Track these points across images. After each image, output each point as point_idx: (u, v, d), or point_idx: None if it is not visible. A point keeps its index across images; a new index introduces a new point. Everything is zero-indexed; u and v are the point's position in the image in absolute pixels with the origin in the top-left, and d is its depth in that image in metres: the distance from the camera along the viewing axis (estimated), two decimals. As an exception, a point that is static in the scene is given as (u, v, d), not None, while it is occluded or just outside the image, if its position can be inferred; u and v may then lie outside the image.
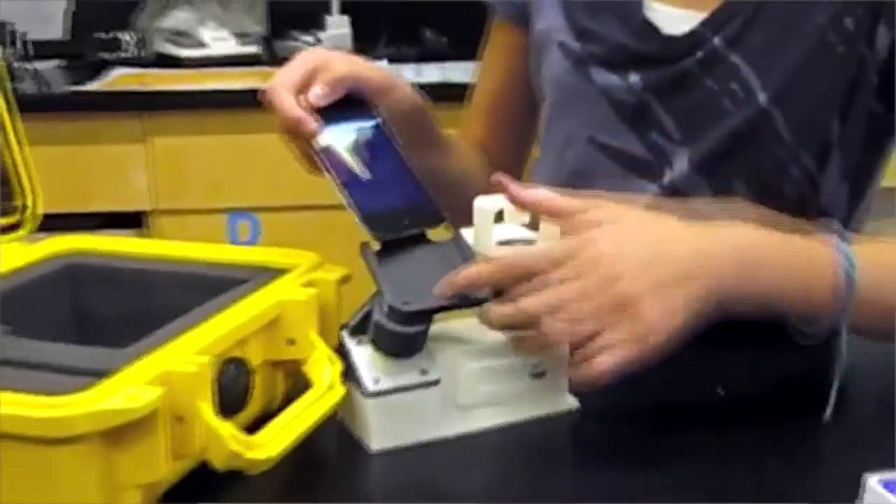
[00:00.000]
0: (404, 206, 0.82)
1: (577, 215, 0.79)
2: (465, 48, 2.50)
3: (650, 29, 1.01)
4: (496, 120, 1.21)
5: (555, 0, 1.07)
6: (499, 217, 0.82)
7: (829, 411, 0.83)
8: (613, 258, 0.76)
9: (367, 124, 0.88)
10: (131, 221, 2.22)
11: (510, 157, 1.19)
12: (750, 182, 0.99)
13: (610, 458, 0.79)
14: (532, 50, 1.12)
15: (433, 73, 2.34)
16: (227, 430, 0.67)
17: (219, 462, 0.67)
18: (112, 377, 0.66)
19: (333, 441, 0.80)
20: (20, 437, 0.62)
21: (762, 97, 0.96)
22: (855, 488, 0.66)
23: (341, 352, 0.80)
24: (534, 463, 0.80)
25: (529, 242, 0.83)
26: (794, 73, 0.96)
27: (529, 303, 0.75)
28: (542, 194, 0.81)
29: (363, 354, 0.79)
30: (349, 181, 0.82)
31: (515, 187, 0.80)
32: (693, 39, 0.99)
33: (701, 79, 0.99)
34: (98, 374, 0.66)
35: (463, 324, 0.83)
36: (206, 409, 0.67)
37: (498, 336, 0.81)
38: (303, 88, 0.86)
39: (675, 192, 1.01)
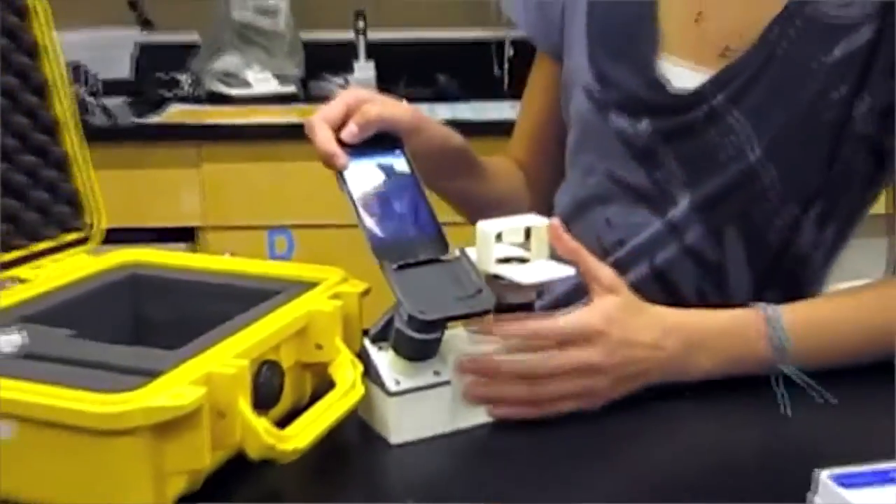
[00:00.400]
0: (414, 235, 0.81)
1: (595, 296, 0.83)
2: (473, 90, 2.52)
3: (660, 84, 0.99)
4: (536, 145, 1.19)
5: (582, 43, 1.05)
6: (498, 237, 0.81)
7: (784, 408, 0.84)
8: (608, 351, 0.81)
9: (392, 159, 0.86)
10: (184, 236, 2.22)
11: (547, 177, 1.17)
12: (740, 225, 0.99)
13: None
14: (562, 85, 1.11)
15: (444, 111, 2.33)
16: (262, 425, 0.66)
17: (254, 453, 0.67)
18: (162, 377, 0.65)
19: (355, 434, 0.79)
20: (82, 429, 0.61)
21: (756, 152, 0.95)
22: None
23: (363, 356, 0.79)
24: (518, 456, 0.78)
25: (523, 260, 0.82)
26: (786, 135, 0.94)
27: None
28: (580, 249, 0.84)
29: (384, 359, 0.79)
30: (366, 209, 0.81)
31: (566, 237, 0.83)
32: (698, 96, 0.97)
33: (703, 131, 0.97)
34: (150, 374, 0.65)
35: (459, 332, 0.82)
36: (244, 406, 0.66)
37: (497, 342, 0.81)
38: (340, 124, 0.86)
39: (673, 227, 1.00)
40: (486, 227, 0.81)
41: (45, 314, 0.79)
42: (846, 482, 0.64)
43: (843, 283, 1.03)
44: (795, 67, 0.93)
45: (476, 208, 1.00)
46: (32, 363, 0.69)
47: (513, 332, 0.80)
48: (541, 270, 0.81)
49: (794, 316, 0.88)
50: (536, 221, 0.83)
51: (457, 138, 1.02)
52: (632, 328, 0.83)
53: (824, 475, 0.65)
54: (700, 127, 0.97)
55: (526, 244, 0.83)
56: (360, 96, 0.88)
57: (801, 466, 0.68)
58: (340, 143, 0.85)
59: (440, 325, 0.77)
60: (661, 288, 0.99)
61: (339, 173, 0.83)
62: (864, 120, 0.94)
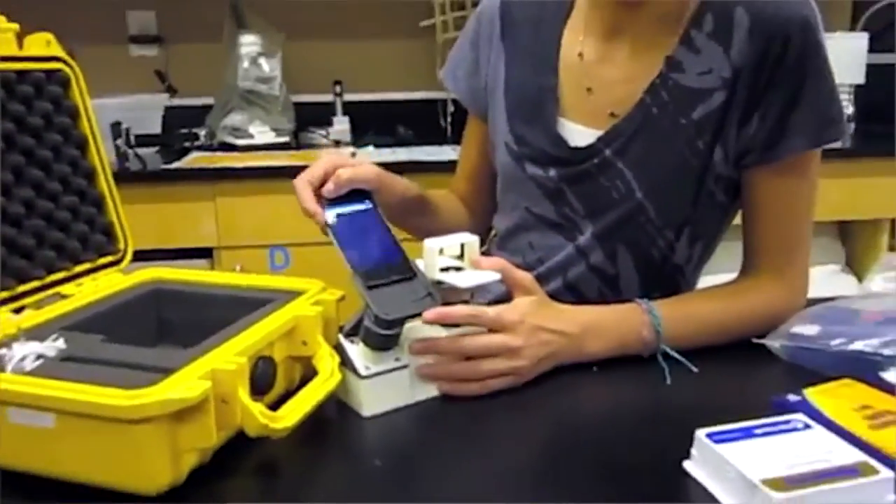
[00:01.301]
0: (385, 263, 0.79)
1: (517, 296, 0.83)
2: (424, 138, 2.51)
3: (562, 141, 0.98)
4: (472, 182, 1.16)
5: (502, 110, 1.04)
6: (440, 252, 0.81)
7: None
8: (524, 334, 0.81)
9: (363, 206, 0.86)
10: (203, 254, 2.16)
11: (482, 206, 1.15)
12: (629, 247, 0.97)
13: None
14: (489, 140, 1.09)
15: (403, 154, 2.30)
16: (258, 409, 0.63)
17: (252, 431, 0.63)
18: (176, 373, 0.61)
19: (333, 411, 0.76)
20: (110, 419, 0.58)
21: (639, 194, 0.94)
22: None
23: (338, 348, 0.77)
24: (462, 418, 0.76)
25: (459, 269, 0.82)
26: (661, 177, 0.93)
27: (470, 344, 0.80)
28: (502, 261, 0.84)
29: (356, 350, 0.78)
30: (346, 245, 0.80)
31: (487, 259, 0.84)
32: (591, 150, 0.96)
33: (596, 177, 0.96)
34: (166, 371, 0.62)
35: (420, 325, 0.80)
36: (243, 394, 0.63)
37: (444, 331, 0.80)
38: (320, 184, 0.85)
39: (580, 251, 0.99)
40: (431, 243, 0.81)
41: (83, 323, 0.75)
42: (718, 439, 0.62)
43: (709, 277, 1.04)
44: (666, 126, 0.92)
45: (429, 236, 0.98)
46: (70, 364, 0.65)
47: (453, 315, 0.78)
48: (473, 277, 0.81)
49: (667, 308, 0.88)
50: (468, 238, 0.84)
51: (413, 188, 1.00)
52: (542, 318, 0.82)
53: (700, 433, 0.63)
54: (594, 174, 0.96)
55: (461, 257, 0.83)
56: (335, 161, 0.86)
57: (680, 422, 0.68)
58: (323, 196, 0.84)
59: (399, 322, 0.76)
60: (571, 296, 0.98)
61: (329, 228, 0.82)
62: (721, 164, 0.92)
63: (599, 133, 0.95)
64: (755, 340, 0.88)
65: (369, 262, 0.78)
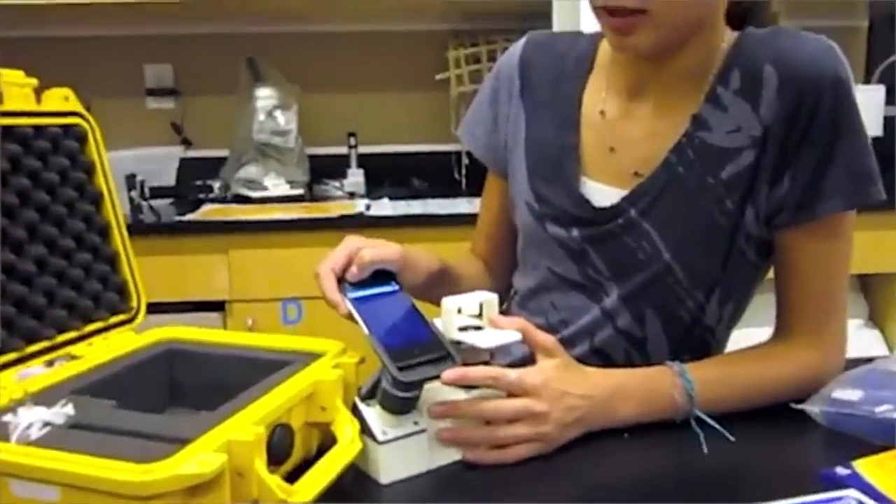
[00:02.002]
0: (415, 342, 0.75)
1: (540, 359, 0.80)
2: (439, 190, 2.50)
3: (585, 201, 0.95)
4: (492, 240, 1.13)
5: (523, 169, 1.01)
6: (458, 311, 0.79)
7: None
8: (549, 399, 0.77)
9: (388, 288, 0.83)
10: (216, 307, 2.13)
11: (503, 265, 1.12)
12: (657, 309, 0.94)
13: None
14: (510, 198, 1.06)
15: (418, 207, 2.28)
16: (275, 482, 0.60)
17: None
18: (189, 445, 0.58)
19: (350, 476, 0.71)
20: (120, 495, 0.54)
21: (666, 255, 0.91)
22: None
23: (355, 412, 0.74)
24: (486, 485, 0.73)
25: (479, 328, 0.80)
26: (689, 238, 0.90)
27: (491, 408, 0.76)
28: (523, 322, 0.81)
29: (373, 413, 0.74)
30: (374, 329, 0.76)
31: (508, 318, 0.81)
32: (616, 210, 0.93)
33: (621, 237, 0.93)
34: (180, 441, 0.59)
35: (439, 385, 0.77)
36: (260, 466, 0.60)
37: (464, 393, 0.77)
38: (343, 269, 0.82)
39: (607, 314, 0.96)
40: (449, 302, 0.79)
41: (93, 386, 0.72)
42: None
43: (740, 331, 1.00)
44: (693, 185, 0.89)
45: None
46: (78, 433, 0.62)
47: (473, 376, 0.75)
48: (493, 336, 0.78)
49: (699, 371, 0.84)
50: (487, 297, 0.81)
51: (435, 262, 0.97)
52: (566, 382, 0.79)
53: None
54: (619, 234, 0.93)
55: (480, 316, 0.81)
56: (357, 243, 0.84)
57: (720, 496, 0.65)
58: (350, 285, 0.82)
59: (418, 385, 0.74)
60: (598, 360, 0.94)
61: (351, 302, 0.79)
62: (751, 224, 0.89)
63: (623, 192, 0.93)
64: (794, 406, 0.84)
65: (398, 343, 0.74)
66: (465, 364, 0.76)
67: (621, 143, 0.94)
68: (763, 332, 0.94)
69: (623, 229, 0.93)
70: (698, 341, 0.96)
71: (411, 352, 0.73)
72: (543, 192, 0.98)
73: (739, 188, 0.88)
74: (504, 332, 0.78)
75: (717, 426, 0.81)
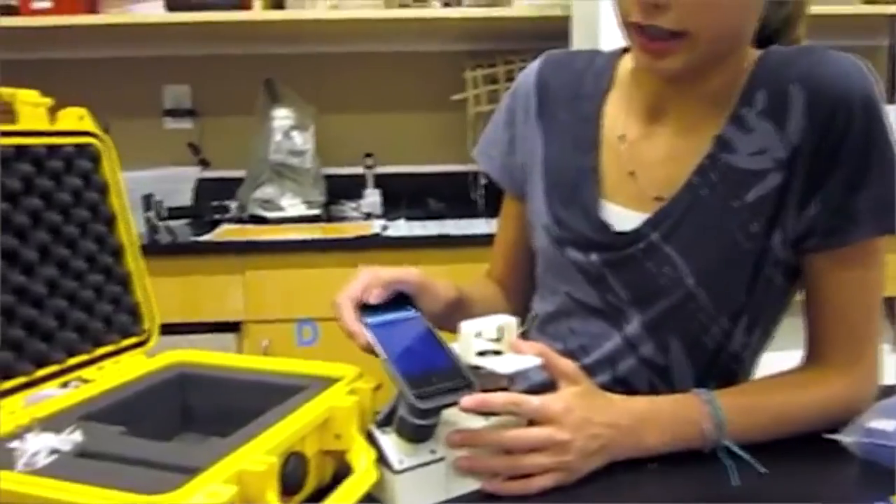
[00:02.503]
0: (433, 369, 0.72)
1: (563, 385, 0.77)
2: (456, 211, 2.48)
3: (605, 226, 0.93)
4: (510, 263, 1.11)
5: (540, 192, 0.99)
6: (477, 335, 0.77)
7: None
8: (572, 428, 0.74)
9: (406, 314, 0.80)
10: (230, 328, 2.12)
11: (520, 287, 1.09)
12: (681, 337, 0.91)
13: None
14: (527, 221, 1.04)
15: (434, 228, 2.26)
16: (288, 515, 0.57)
17: None
18: (199, 475, 0.56)
19: None
20: (125, 527, 0.52)
21: (690, 280, 0.88)
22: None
23: (370, 439, 0.71)
24: None
25: (498, 352, 0.77)
26: (714, 262, 0.87)
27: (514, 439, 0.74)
28: (544, 348, 0.78)
29: (389, 441, 0.72)
30: (392, 355, 0.73)
31: (529, 343, 0.79)
32: (636, 235, 0.90)
33: (642, 263, 0.90)
34: (190, 471, 0.56)
35: (456, 411, 0.75)
36: (272, 498, 0.58)
37: (483, 420, 0.74)
38: (360, 300, 0.79)
39: (629, 343, 0.93)
40: (467, 326, 0.76)
41: (102, 412, 0.71)
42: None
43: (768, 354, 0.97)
44: (717, 208, 0.86)
45: None
46: (85, 461, 0.60)
47: (492, 402, 0.72)
48: (513, 361, 0.75)
49: (728, 399, 0.81)
50: (507, 320, 0.78)
51: (452, 290, 0.93)
52: (590, 410, 0.76)
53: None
54: (640, 259, 0.90)
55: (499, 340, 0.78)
56: (375, 272, 0.82)
57: None
58: (365, 307, 0.79)
59: (435, 412, 0.71)
60: (621, 390, 0.90)
61: (369, 328, 0.76)
62: (779, 248, 0.87)
63: (644, 216, 0.90)
64: (827, 436, 0.81)
65: (416, 370, 0.72)
66: (484, 390, 0.73)
67: (641, 167, 0.92)
68: (791, 357, 0.91)
69: (644, 254, 0.90)
70: (724, 368, 0.93)
71: (429, 378, 0.71)
72: (561, 215, 0.96)
73: (765, 211, 0.85)
74: (524, 357, 0.76)
75: (746, 457, 0.78)
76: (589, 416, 0.75)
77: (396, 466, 0.70)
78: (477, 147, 1.10)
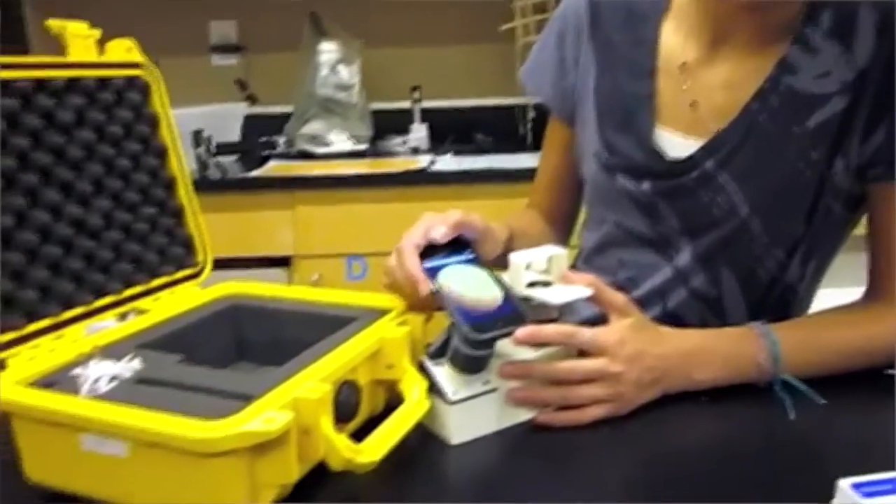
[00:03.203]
0: (496, 314, 0.71)
1: (614, 320, 0.76)
2: (504, 145, 2.45)
3: (658, 153, 0.90)
4: (553, 191, 1.09)
5: (592, 117, 0.96)
6: (527, 266, 0.76)
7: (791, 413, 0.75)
8: (625, 360, 0.74)
9: (463, 257, 0.77)
10: (281, 263, 2.15)
11: (564, 216, 1.09)
12: (734, 269, 0.89)
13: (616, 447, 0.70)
14: (576, 149, 1.01)
15: (482, 162, 2.24)
16: (342, 442, 0.58)
17: (335, 465, 0.58)
18: (255, 402, 0.57)
19: (416, 437, 0.68)
20: (186, 451, 0.53)
21: (744, 209, 0.85)
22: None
23: (422, 370, 0.72)
24: (557, 449, 0.70)
25: (547, 284, 0.76)
26: (770, 192, 0.84)
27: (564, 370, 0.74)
28: (595, 280, 0.77)
29: (442, 373, 0.72)
30: (453, 300, 0.71)
31: (579, 275, 0.77)
32: (691, 163, 0.88)
33: (696, 191, 0.88)
34: (246, 398, 0.57)
35: (507, 343, 0.75)
36: (327, 424, 0.58)
37: (533, 352, 0.74)
38: (423, 246, 0.76)
39: (679, 274, 0.91)
40: (517, 258, 0.76)
41: (160, 341, 0.72)
42: (868, 491, 0.53)
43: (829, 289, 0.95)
44: (776, 134, 0.83)
45: None
46: (146, 388, 0.61)
47: (545, 334, 0.72)
48: (563, 292, 0.75)
49: (784, 333, 0.79)
50: (556, 251, 0.78)
51: (505, 230, 0.91)
52: (643, 342, 0.75)
53: (844, 483, 0.55)
54: (693, 188, 0.88)
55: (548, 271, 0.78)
56: (439, 214, 0.79)
57: (810, 466, 0.61)
58: (426, 252, 0.76)
59: (489, 343, 0.70)
60: (671, 323, 0.89)
61: (430, 273, 0.73)
62: (840, 176, 0.83)
63: (699, 143, 0.87)
64: (888, 372, 0.79)
65: (480, 314, 0.70)
66: (535, 322, 0.73)
67: (700, 93, 0.89)
68: (851, 294, 0.88)
69: (697, 183, 0.87)
70: (779, 301, 0.91)
71: (483, 311, 0.70)
72: (614, 141, 0.93)
73: (828, 138, 0.82)
74: (574, 288, 0.75)
75: (805, 389, 0.76)
76: (642, 349, 0.75)
77: (451, 397, 0.70)
78: (524, 68, 1.06)
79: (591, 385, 0.73)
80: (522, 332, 0.70)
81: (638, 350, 0.74)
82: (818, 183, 0.83)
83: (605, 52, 0.96)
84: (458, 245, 0.78)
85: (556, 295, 0.74)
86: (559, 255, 0.77)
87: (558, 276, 0.77)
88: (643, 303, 0.92)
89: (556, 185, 1.08)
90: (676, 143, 0.89)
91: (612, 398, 0.73)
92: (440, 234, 0.76)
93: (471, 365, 0.71)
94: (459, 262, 0.76)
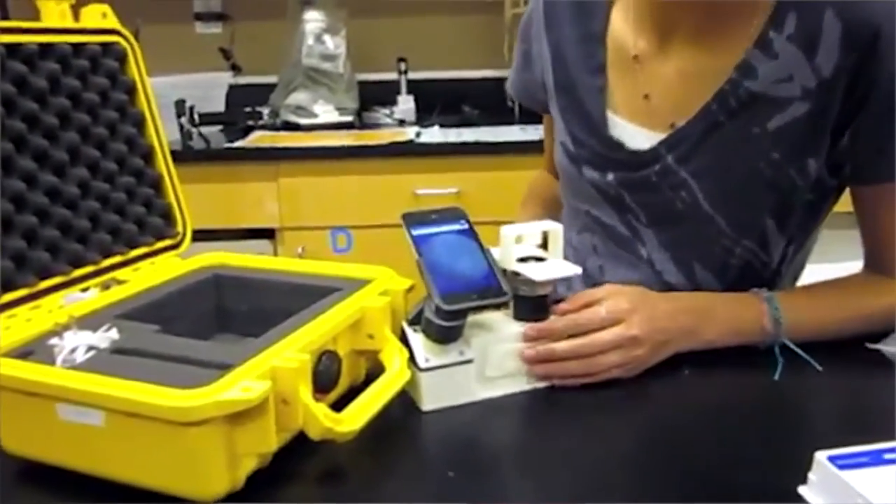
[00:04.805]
0: (473, 286, 0.70)
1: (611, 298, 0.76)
2: (491, 117, 2.44)
3: (617, 144, 0.90)
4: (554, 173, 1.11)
5: (556, 109, 0.98)
6: (518, 239, 0.76)
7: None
8: (640, 323, 0.75)
9: (455, 226, 0.76)
10: (265, 234, 2.14)
11: None
12: (705, 263, 0.90)
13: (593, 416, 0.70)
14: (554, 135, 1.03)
15: (469, 134, 2.23)
16: (321, 411, 0.58)
17: (314, 435, 0.58)
18: (233, 371, 0.56)
19: (398, 404, 0.68)
20: (162, 420, 0.53)
21: (705, 205, 0.86)
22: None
23: (403, 338, 0.72)
24: (538, 421, 0.71)
25: (540, 259, 0.76)
26: (729, 189, 0.85)
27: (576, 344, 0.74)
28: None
29: (418, 340, 0.72)
30: (429, 258, 0.71)
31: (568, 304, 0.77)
32: (651, 155, 0.88)
33: (658, 185, 0.88)
34: (223, 367, 0.57)
35: (492, 316, 0.76)
36: (306, 394, 0.58)
37: (517, 327, 0.75)
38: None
39: (650, 262, 0.92)
40: (507, 231, 0.75)
41: (138, 311, 0.71)
42: (843, 464, 0.54)
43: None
44: (736, 135, 0.83)
45: None
46: (122, 357, 0.61)
47: (557, 328, 0.74)
48: (552, 269, 0.74)
49: (785, 299, 0.80)
50: (552, 226, 0.77)
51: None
52: (652, 305, 0.77)
53: (821, 455, 0.55)
54: (656, 182, 0.88)
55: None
56: None
57: (794, 437, 0.61)
58: (412, 221, 0.75)
59: (461, 314, 0.70)
60: None
61: (419, 242, 0.73)
62: (813, 172, 0.83)
63: (659, 137, 0.87)
64: (870, 346, 0.79)
65: (458, 285, 0.70)
66: (522, 297, 0.74)
67: (656, 88, 0.88)
68: (851, 267, 0.89)
69: (659, 177, 0.88)
70: (760, 282, 0.91)
71: (462, 282, 0.70)
72: (577, 133, 0.94)
73: (788, 140, 0.81)
74: (563, 265, 0.75)
75: (804, 355, 0.77)
76: (653, 311, 0.76)
77: (422, 364, 0.71)
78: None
79: (610, 353, 0.74)
80: (532, 330, 0.73)
81: (649, 313, 0.75)
82: (780, 181, 0.83)
83: (559, 44, 0.96)
84: (452, 214, 0.77)
85: (540, 271, 0.73)
86: (554, 230, 0.77)
87: (555, 251, 0.77)
88: None
89: (553, 168, 1.09)
90: (635, 134, 0.89)
91: (631, 361, 0.74)
92: None
93: (441, 334, 0.71)
94: (450, 233, 0.75)
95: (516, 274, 0.74)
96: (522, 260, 0.75)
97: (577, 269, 0.75)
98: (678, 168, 0.86)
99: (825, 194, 0.87)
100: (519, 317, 0.75)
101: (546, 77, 0.99)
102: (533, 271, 0.73)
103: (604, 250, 0.96)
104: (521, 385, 0.75)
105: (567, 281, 0.80)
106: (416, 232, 0.74)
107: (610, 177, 0.91)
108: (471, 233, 0.75)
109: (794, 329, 0.79)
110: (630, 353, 0.74)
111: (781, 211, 0.86)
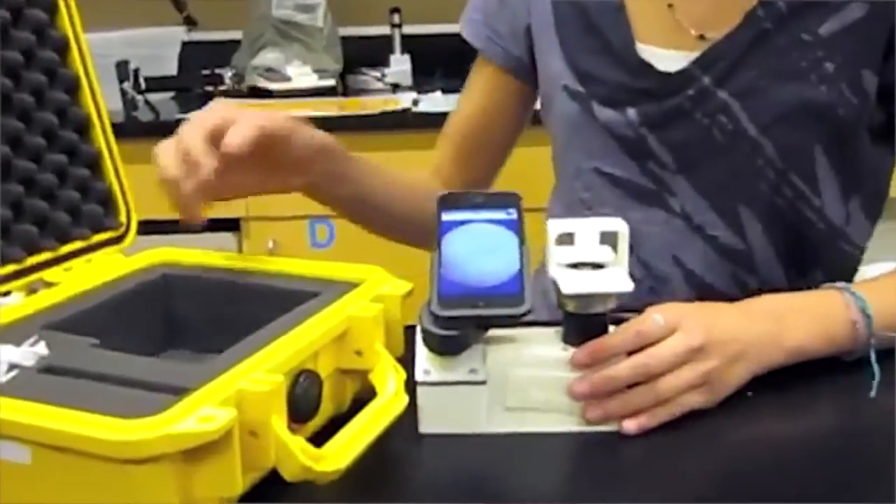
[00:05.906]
0: (487, 291, 0.69)
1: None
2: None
3: (646, 67, 0.92)
4: (465, 143, 1.12)
5: (556, 48, 0.99)
6: (559, 239, 0.74)
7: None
8: (702, 330, 0.73)
9: (496, 215, 0.75)
10: (228, 226, 2.14)
11: (464, 182, 1.10)
12: (751, 203, 0.91)
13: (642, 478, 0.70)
14: (541, 95, 1.04)
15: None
16: (298, 445, 0.58)
17: (289, 475, 0.59)
18: (189, 396, 0.57)
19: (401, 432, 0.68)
20: (101, 457, 0.53)
21: (751, 129, 0.88)
22: None
23: (411, 346, 0.73)
24: (572, 473, 0.72)
25: (598, 266, 0.74)
26: (779, 108, 0.87)
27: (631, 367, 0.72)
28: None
29: (423, 348, 0.72)
30: (448, 254, 0.71)
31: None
32: (685, 77, 0.91)
33: (691, 114, 0.91)
34: (176, 391, 0.58)
35: (528, 331, 0.75)
36: (279, 424, 0.59)
37: (556, 350, 0.73)
38: (214, 133, 0.78)
39: (685, 216, 0.93)
40: (554, 226, 0.74)
41: (70, 320, 0.72)
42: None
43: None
44: (785, 44, 0.86)
45: (366, 211, 1.06)
46: (51, 378, 0.61)
47: (612, 344, 0.72)
48: (594, 281, 0.72)
49: (864, 289, 0.80)
50: (617, 225, 0.74)
51: (333, 139, 0.93)
52: (709, 313, 0.75)
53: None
54: (688, 111, 0.90)
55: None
56: (228, 112, 0.80)
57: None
58: (447, 203, 0.75)
59: (457, 323, 0.69)
60: (696, 293, 0.90)
61: (446, 228, 0.73)
62: (866, 94, 0.87)
63: (693, 55, 0.90)
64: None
65: (467, 275, 0.70)
66: (571, 314, 0.73)
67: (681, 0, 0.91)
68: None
69: (693, 103, 0.90)
70: (830, 249, 0.93)
71: (479, 286, 0.69)
72: (588, 67, 0.96)
73: (843, 49, 0.85)
74: (615, 278, 0.72)
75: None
76: (713, 321, 0.74)
77: (419, 376, 0.71)
78: (463, 17, 1.11)
79: (679, 371, 0.72)
80: (581, 354, 0.71)
81: (709, 321, 0.74)
82: (837, 102, 0.86)
83: None
84: (503, 200, 0.76)
85: (575, 282, 0.71)
86: (622, 231, 0.74)
87: (622, 257, 0.74)
88: (648, 267, 0.94)
89: (469, 136, 1.11)
90: (663, 57, 0.92)
91: (706, 379, 0.72)
92: (233, 147, 0.77)
93: (441, 346, 0.71)
94: (489, 221, 0.74)
95: (555, 283, 0.72)
96: (574, 266, 0.74)
97: (629, 285, 0.72)
98: (716, 90, 0.89)
99: (882, 132, 0.89)
100: (567, 339, 0.74)
101: (537, 11, 1.01)
102: (568, 280, 0.72)
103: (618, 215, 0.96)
104: (551, 424, 0.72)
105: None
106: (446, 216, 0.74)
107: (631, 113, 0.93)
108: (516, 225, 0.74)
109: (885, 323, 0.78)
110: (702, 367, 0.72)
111: (831, 141, 0.88)
